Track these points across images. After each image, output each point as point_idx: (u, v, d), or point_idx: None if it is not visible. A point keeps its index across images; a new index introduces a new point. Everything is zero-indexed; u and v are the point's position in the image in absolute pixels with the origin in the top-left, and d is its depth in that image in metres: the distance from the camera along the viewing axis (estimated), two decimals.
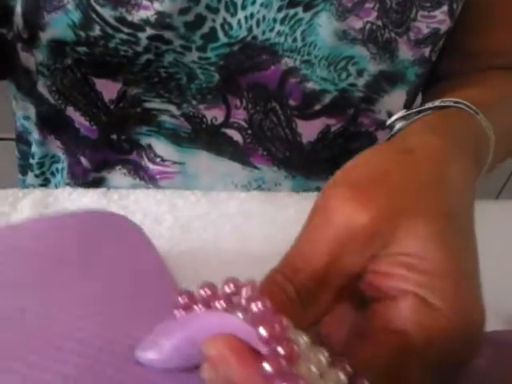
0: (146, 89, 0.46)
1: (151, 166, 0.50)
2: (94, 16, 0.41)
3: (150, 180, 0.51)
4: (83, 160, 0.51)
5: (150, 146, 0.49)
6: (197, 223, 0.41)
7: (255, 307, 0.21)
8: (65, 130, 0.50)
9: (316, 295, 0.25)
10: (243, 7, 0.41)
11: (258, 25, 0.42)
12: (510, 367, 0.30)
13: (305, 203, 0.45)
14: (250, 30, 0.42)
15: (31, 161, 0.53)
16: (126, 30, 0.41)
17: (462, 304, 0.24)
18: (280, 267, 0.26)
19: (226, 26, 0.42)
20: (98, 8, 0.40)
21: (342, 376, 0.21)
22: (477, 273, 0.25)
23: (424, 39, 0.45)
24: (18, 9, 0.45)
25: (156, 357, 0.25)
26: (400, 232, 0.25)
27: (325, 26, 0.43)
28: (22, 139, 0.55)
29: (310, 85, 0.46)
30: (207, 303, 0.23)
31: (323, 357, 0.21)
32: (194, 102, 0.47)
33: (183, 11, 0.41)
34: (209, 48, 0.43)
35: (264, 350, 0.20)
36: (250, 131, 0.49)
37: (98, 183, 0.52)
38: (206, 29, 0.42)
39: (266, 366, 0.19)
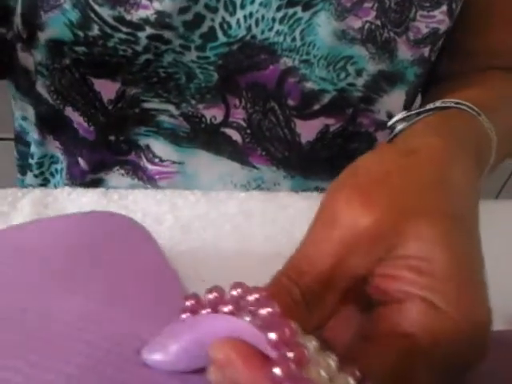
0: (145, 89, 0.45)
1: (150, 167, 0.50)
2: (92, 15, 0.40)
3: (148, 180, 0.51)
4: (81, 161, 0.51)
5: (148, 147, 0.49)
6: (197, 223, 0.41)
7: (264, 311, 0.21)
8: (63, 130, 0.49)
9: (321, 298, 0.25)
10: (242, 6, 0.41)
11: (256, 24, 0.42)
12: (511, 367, 0.30)
13: (304, 203, 0.46)
14: (248, 29, 0.42)
15: (30, 161, 0.53)
16: (124, 29, 0.41)
17: (469, 306, 0.24)
18: (285, 270, 0.26)
19: (225, 26, 0.42)
20: (96, 7, 0.40)
21: (352, 381, 0.21)
22: (483, 274, 0.25)
23: (423, 39, 0.45)
24: (18, 9, 0.44)
25: (163, 358, 0.25)
26: (405, 234, 0.25)
27: (324, 25, 0.43)
28: (20, 139, 0.55)
29: (309, 84, 0.46)
30: (214, 307, 0.23)
31: (332, 361, 0.21)
32: (193, 102, 0.46)
33: (182, 10, 0.40)
34: (208, 47, 0.43)
35: (273, 354, 0.20)
36: (248, 131, 0.49)
37: (96, 184, 0.52)
38: (205, 28, 0.42)
39: (276, 370, 0.19)
